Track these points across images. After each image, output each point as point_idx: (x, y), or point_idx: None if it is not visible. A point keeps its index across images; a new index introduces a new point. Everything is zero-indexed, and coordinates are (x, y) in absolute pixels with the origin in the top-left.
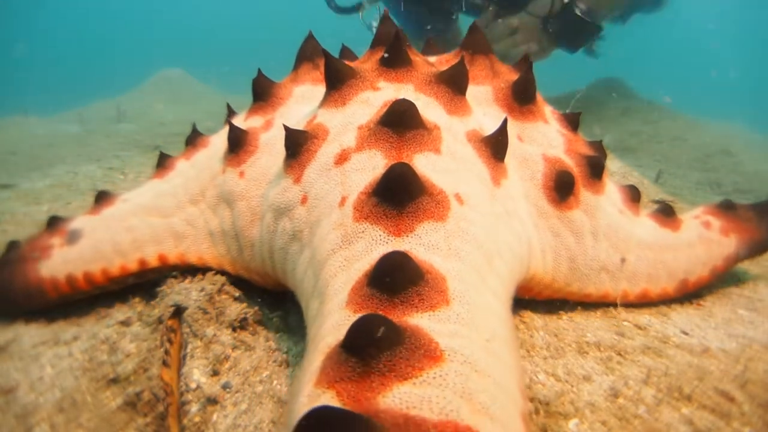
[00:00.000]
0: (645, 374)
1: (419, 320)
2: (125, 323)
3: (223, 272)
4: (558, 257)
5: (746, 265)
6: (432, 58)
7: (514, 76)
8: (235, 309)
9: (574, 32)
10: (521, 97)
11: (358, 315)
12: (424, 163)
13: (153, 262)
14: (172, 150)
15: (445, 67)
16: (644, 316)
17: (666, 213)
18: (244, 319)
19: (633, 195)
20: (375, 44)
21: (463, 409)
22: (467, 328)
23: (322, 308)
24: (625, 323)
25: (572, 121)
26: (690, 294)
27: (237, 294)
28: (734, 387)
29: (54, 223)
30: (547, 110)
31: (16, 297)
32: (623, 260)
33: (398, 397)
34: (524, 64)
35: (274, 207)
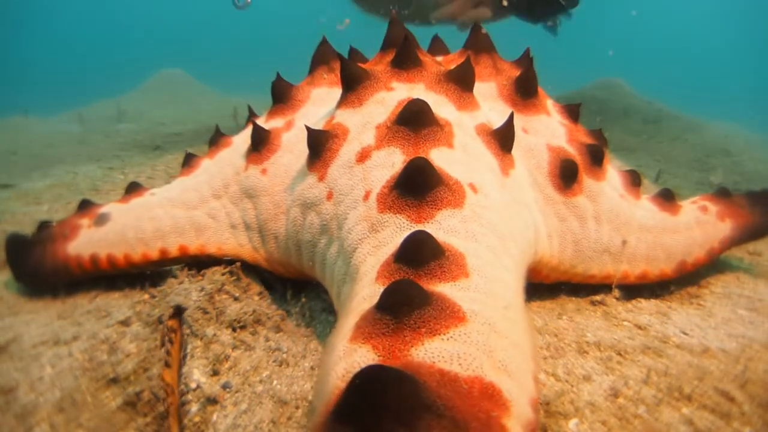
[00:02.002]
0: (645, 374)
1: (443, 288)
2: (125, 323)
3: (223, 272)
4: (564, 241)
5: (746, 265)
6: (438, 58)
7: (517, 73)
8: (235, 309)
9: (535, 2)
10: (524, 91)
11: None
12: (439, 157)
13: (174, 252)
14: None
15: (452, 66)
16: (644, 316)
17: (666, 197)
18: (244, 318)
19: (633, 179)
20: (385, 46)
21: (486, 365)
22: (485, 296)
23: (353, 288)
24: (625, 323)
25: (573, 112)
26: (688, 274)
27: (237, 294)
28: (734, 387)
29: (85, 205)
30: (549, 103)
31: (46, 273)
32: (624, 242)
33: (430, 351)
34: (526, 61)
35: (300, 202)
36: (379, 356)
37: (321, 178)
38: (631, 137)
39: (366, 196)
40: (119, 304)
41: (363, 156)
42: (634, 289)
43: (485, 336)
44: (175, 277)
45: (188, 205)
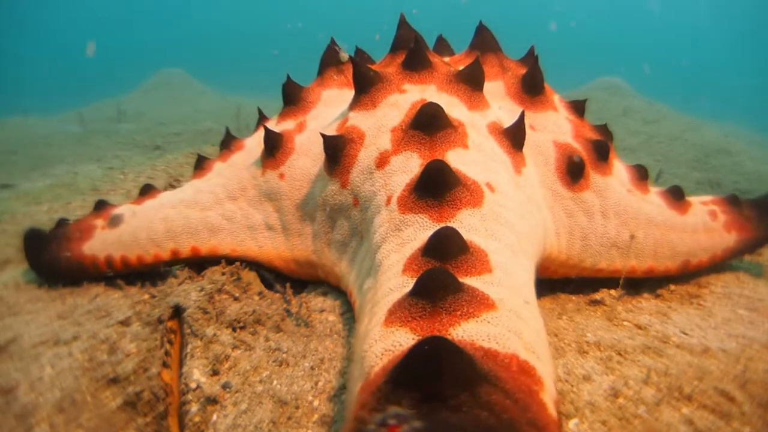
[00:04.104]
0: (645, 374)
1: (470, 281)
2: (125, 323)
3: (223, 272)
4: (572, 236)
5: (746, 265)
6: (445, 58)
7: (523, 71)
8: (235, 309)
9: None
10: (531, 89)
11: (416, 278)
12: (455, 158)
13: (185, 252)
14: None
15: (460, 67)
16: (644, 316)
17: (675, 195)
18: (244, 318)
19: (640, 174)
20: (395, 48)
21: (518, 346)
22: (508, 291)
23: (378, 279)
24: (625, 323)
25: (578, 108)
26: (688, 275)
27: (237, 294)
28: (734, 387)
29: (100, 206)
30: (556, 98)
31: (61, 268)
32: (632, 237)
33: (467, 331)
34: (530, 59)
35: (326, 207)
36: (419, 336)
37: (344, 185)
38: (631, 137)
39: (388, 201)
40: (119, 304)
41: (382, 162)
42: (634, 290)
43: (513, 321)
44: (175, 277)
45: (202, 206)
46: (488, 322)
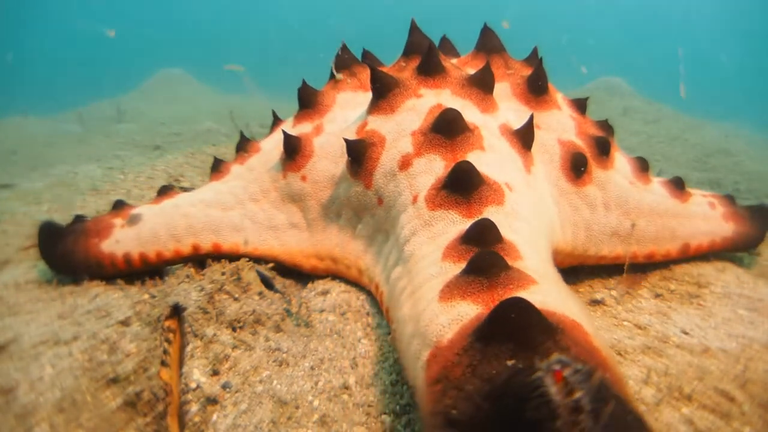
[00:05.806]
0: (645, 374)
1: (511, 263)
2: (125, 323)
3: (223, 272)
4: (576, 228)
5: (746, 265)
6: (453, 60)
7: (527, 71)
8: (235, 309)
9: None
10: (536, 89)
11: (460, 263)
12: (475, 160)
13: (206, 248)
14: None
15: (469, 69)
16: (644, 316)
17: (677, 185)
18: (244, 318)
19: (641, 165)
20: (408, 53)
21: (565, 309)
22: (540, 274)
23: (410, 269)
24: (625, 323)
25: (581, 105)
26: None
27: (237, 294)
28: (734, 387)
29: (118, 205)
30: (559, 97)
31: (76, 263)
32: (633, 225)
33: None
34: (535, 60)
35: (352, 207)
36: (482, 306)
37: (368, 186)
38: (631, 137)
39: (414, 199)
40: (119, 304)
41: (404, 164)
42: (634, 290)
43: (556, 291)
44: (175, 276)
45: (224, 207)
46: (536, 293)
